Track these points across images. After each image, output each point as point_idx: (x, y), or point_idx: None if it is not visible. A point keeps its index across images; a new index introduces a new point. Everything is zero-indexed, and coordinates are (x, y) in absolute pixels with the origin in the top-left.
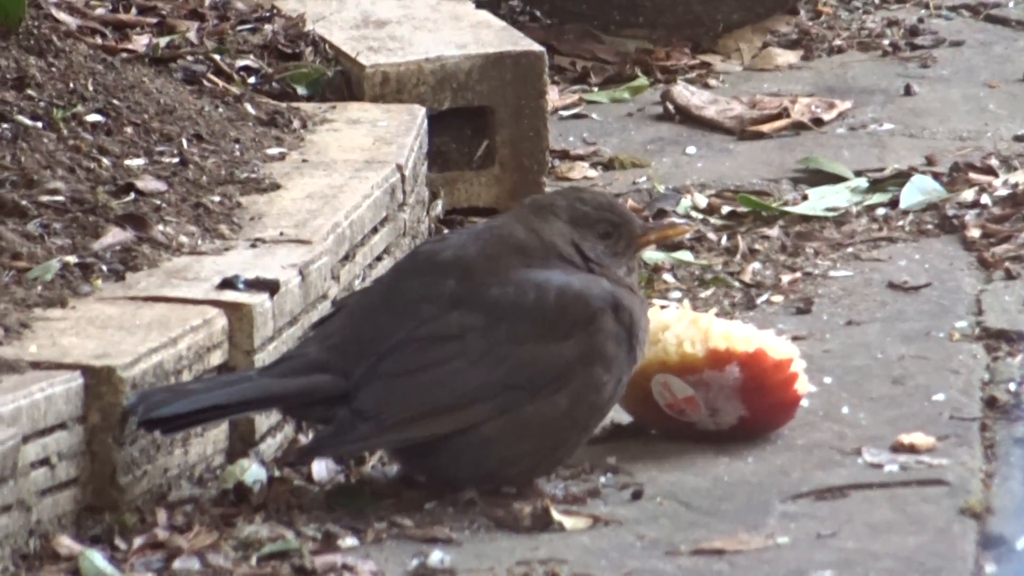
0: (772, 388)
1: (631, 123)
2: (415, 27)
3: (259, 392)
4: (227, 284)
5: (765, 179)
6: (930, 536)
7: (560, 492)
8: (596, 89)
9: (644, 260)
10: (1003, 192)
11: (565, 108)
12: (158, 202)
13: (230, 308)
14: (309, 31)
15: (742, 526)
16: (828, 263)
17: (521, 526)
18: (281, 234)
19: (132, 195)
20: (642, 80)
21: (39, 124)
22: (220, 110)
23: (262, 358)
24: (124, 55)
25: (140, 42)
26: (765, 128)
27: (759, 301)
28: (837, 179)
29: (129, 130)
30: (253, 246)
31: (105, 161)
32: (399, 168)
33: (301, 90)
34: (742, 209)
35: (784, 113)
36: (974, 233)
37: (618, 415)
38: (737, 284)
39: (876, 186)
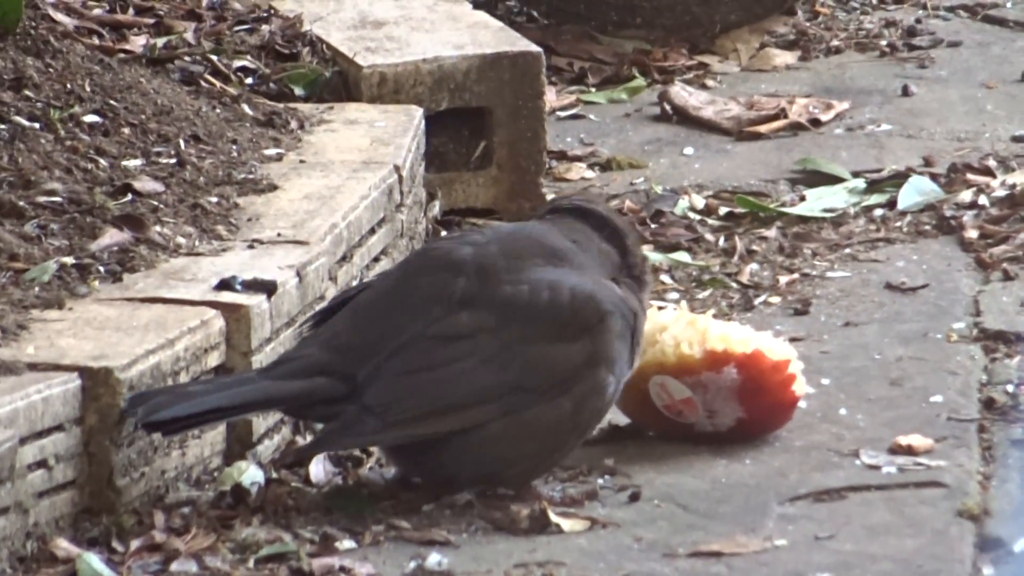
0: (770, 389)
1: (628, 124)
2: (412, 28)
3: (259, 394)
4: (224, 285)
5: (763, 180)
6: (928, 538)
7: (558, 494)
8: (594, 90)
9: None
10: (1001, 193)
11: (562, 109)
12: (155, 203)
13: (227, 309)
14: (306, 32)
15: (740, 528)
16: (826, 264)
17: (519, 528)
18: (278, 235)
19: (129, 196)
20: (639, 81)
21: (36, 125)
22: (217, 111)
23: (260, 359)
24: (121, 56)
25: (137, 43)
26: (763, 129)
27: (757, 302)
28: (835, 180)
29: (126, 131)
30: (250, 247)
31: (102, 162)
32: (396, 169)
33: (298, 91)
34: (740, 210)
35: (782, 114)
36: (972, 234)
37: (616, 416)
38: (735, 285)
39: (874, 187)
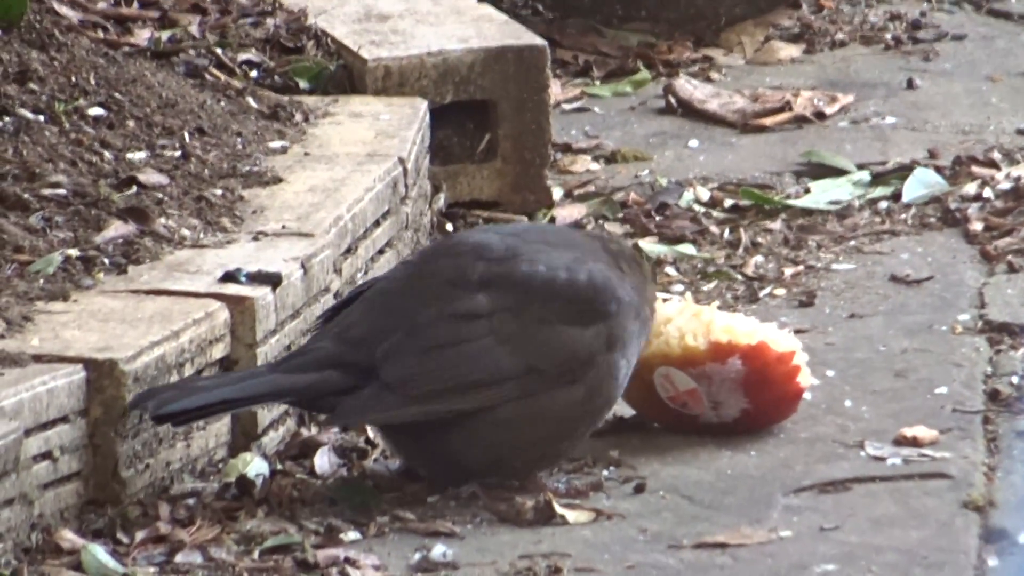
0: (775, 381)
1: (633, 117)
2: (417, 21)
3: (269, 387)
4: (229, 277)
5: (767, 172)
6: (932, 530)
7: (562, 486)
8: (598, 83)
9: (647, 253)
10: (1005, 185)
11: (567, 102)
12: (160, 195)
13: (232, 301)
14: (311, 25)
15: (745, 520)
16: (830, 256)
17: (523, 520)
18: (283, 227)
19: (134, 188)
20: (644, 74)
21: (41, 118)
22: (222, 104)
23: (264, 351)
24: (126, 49)
25: (142, 36)
26: (767, 122)
27: (761, 294)
28: (839, 172)
29: (131, 124)
30: (255, 239)
31: (107, 154)
32: (401, 161)
33: (303, 84)
34: (744, 203)
35: (786, 107)
36: (976, 226)
37: (621, 408)
38: (739, 277)
39: (878, 179)
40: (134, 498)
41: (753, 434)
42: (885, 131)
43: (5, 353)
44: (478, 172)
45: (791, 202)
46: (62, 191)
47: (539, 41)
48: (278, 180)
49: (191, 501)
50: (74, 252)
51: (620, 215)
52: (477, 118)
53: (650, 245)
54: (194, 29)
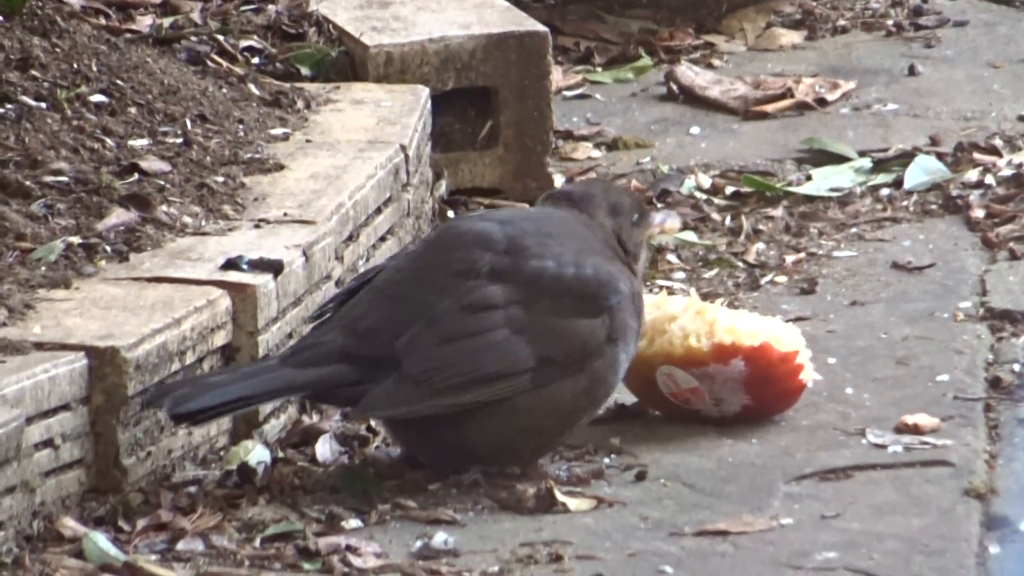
0: (777, 379)
1: (635, 103)
2: (419, 7)
3: (282, 382)
4: (231, 265)
5: (769, 159)
6: (934, 517)
7: (564, 473)
8: (600, 69)
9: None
10: (1007, 172)
11: (569, 88)
12: (162, 183)
13: (234, 289)
14: (313, 11)
15: (746, 507)
16: (832, 243)
17: (525, 508)
18: (285, 215)
19: (136, 176)
20: (646, 60)
21: (43, 105)
22: (224, 91)
23: (266, 339)
24: (128, 36)
25: (144, 23)
26: (769, 108)
27: (763, 282)
28: (841, 159)
29: (133, 111)
30: (257, 227)
31: (109, 141)
32: (403, 148)
33: (305, 70)
34: (746, 190)
35: (788, 93)
36: (978, 213)
37: (622, 396)
38: (741, 265)
39: (880, 166)
40: (135, 486)
41: (754, 422)
42: (887, 118)
43: (7, 341)
44: (480, 159)
45: (792, 189)
46: (64, 178)
47: (540, 28)
48: (280, 167)
49: (192, 489)
50: (76, 239)
51: None
52: (479, 105)
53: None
54: (196, 16)
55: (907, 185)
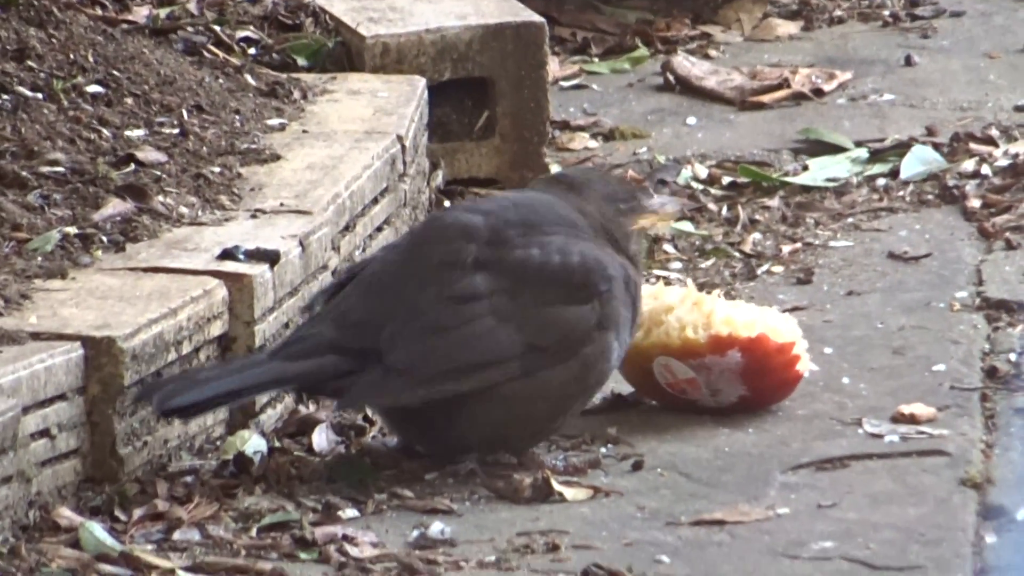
0: (773, 370)
1: (631, 94)
2: None
3: (271, 375)
4: (227, 255)
5: (765, 150)
6: (930, 507)
7: (560, 463)
8: (596, 60)
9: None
10: (1003, 162)
11: (565, 79)
12: (158, 173)
13: (230, 279)
14: (309, 2)
15: (742, 497)
16: (828, 233)
17: (521, 497)
18: (281, 205)
19: (132, 166)
20: (642, 51)
21: (39, 95)
22: (220, 81)
23: (262, 329)
24: (124, 26)
25: (140, 13)
26: (765, 99)
27: (759, 271)
28: (837, 150)
29: (129, 101)
30: (253, 217)
31: (105, 132)
32: (399, 139)
33: (301, 61)
34: (742, 180)
35: (784, 84)
36: (974, 203)
37: (618, 385)
38: (737, 255)
39: (876, 157)
40: (132, 476)
41: (751, 412)
42: (883, 108)
43: (3, 331)
44: (476, 149)
45: (789, 179)
46: (60, 169)
47: (537, 18)
48: (276, 157)
49: (189, 479)
50: (72, 230)
51: None
52: (475, 95)
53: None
54: (192, 6)
55: (903, 175)
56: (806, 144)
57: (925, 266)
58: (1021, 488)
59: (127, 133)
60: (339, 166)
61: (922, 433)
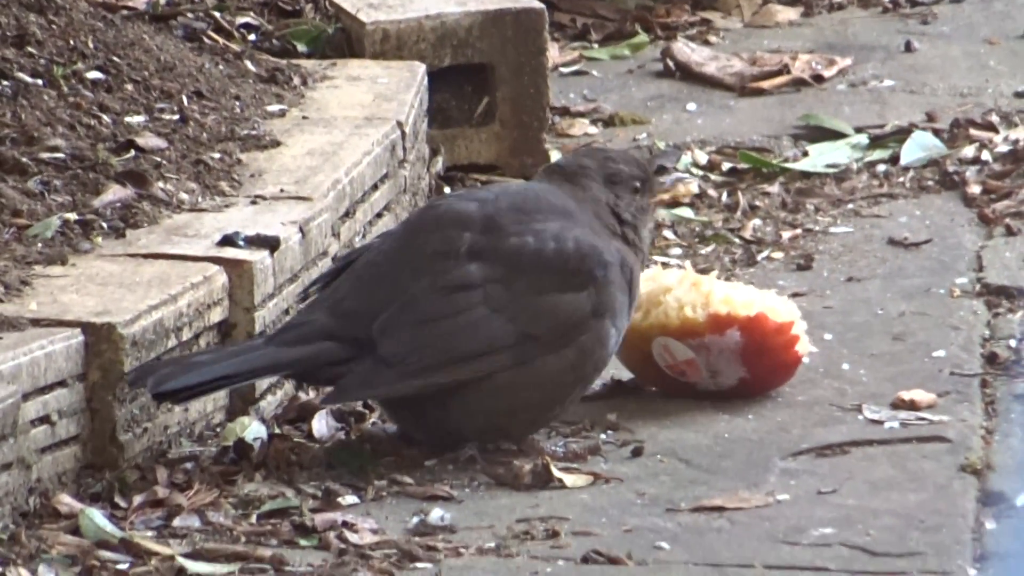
0: (773, 350)
1: (631, 80)
2: None
3: (266, 361)
4: (227, 241)
5: (765, 136)
6: (930, 493)
7: (560, 449)
8: (596, 46)
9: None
10: (1004, 148)
11: (565, 65)
12: (158, 159)
13: (231, 265)
14: None
15: (742, 483)
16: (828, 219)
17: (521, 484)
18: (281, 191)
19: (132, 152)
20: (642, 37)
21: (39, 81)
22: (220, 67)
23: (262, 315)
24: (124, 12)
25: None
26: (765, 85)
27: (760, 258)
28: (838, 136)
29: (129, 87)
30: (253, 203)
31: (105, 118)
32: (399, 125)
33: (301, 47)
34: (743, 166)
35: (784, 70)
36: (975, 189)
37: (618, 372)
38: (737, 241)
39: (877, 143)
40: (132, 462)
41: (751, 398)
42: (883, 94)
43: (3, 317)
44: (476, 136)
45: (789, 165)
46: (60, 155)
47: (537, 4)
48: (276, 144)
49: (189, 465)
50: (72, 216)
51: None
52: (475, 81)
53: None
54: None
55: (903, 161)
56: (806, 130)
57: (925, 252)
58: (1021, 474)
59: (127, 119)
60: (339, 152)
61: (922, 419)
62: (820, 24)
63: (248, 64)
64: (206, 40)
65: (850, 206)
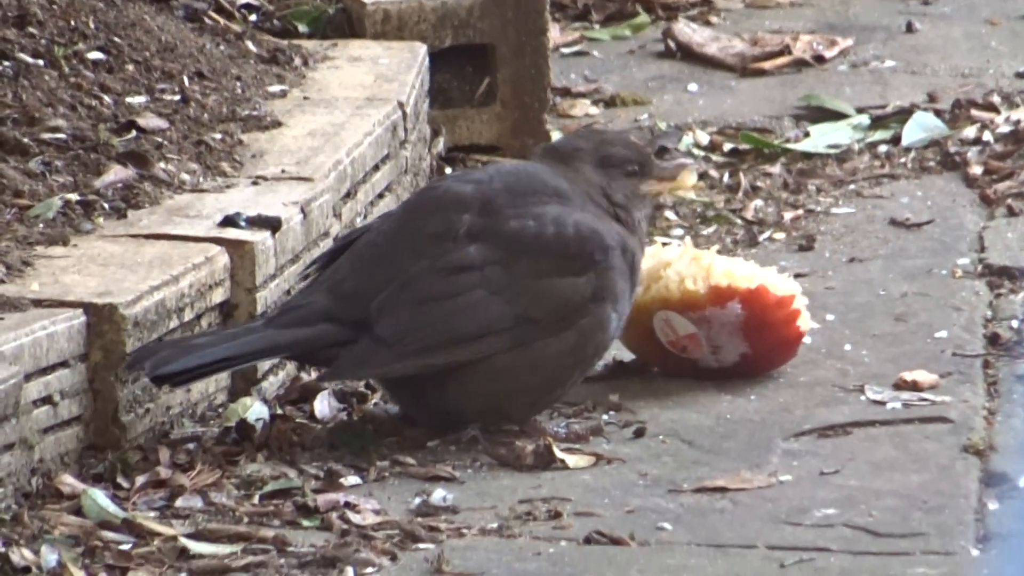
0: (774, 325)
1: (632, 60)
2: None
3: (265, 343)
4: (229, 222)
5: (767, 116)
6: (933, 474)
7: (562, 430)
8: (597, 26)
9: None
10: (1005, 129)
11: (566, 45)
12: (159, 140)
13: (232, 245)
14: None
15: (744, 464)
16: (830, 200)
17: (523, 464)
18: (283, 171)
19: (133, 133)
20: (643, 17)
21: (40, 62)
22: (221, 48)
23: (264, 296)
24: None
25: None
26: (767, 65)
27: (761, 238)
28: (839, 116)
29: (130, 68)
30: (255, 183)
31: (106, 99)
32: (400, 105)
33: (302, 27)
34: (744, 146)
35: (786, 50)
36: (976, 170)
37: (620, 353)
38: (739, 221)
39: (878, 123)
40: (134, 443)
41: (753, 378)
42: (884, 75)
43: (5, 298)
44: (477, 116)
45: (790, 146)
46: (62, 135)
47: None
48: (277, 124)
49: (191, 446)
50: (74, 197)
51: None
52: (476, 62)
53: None
54: None
55: (905, 142)
56: (807, 111)
57: (927, 233)
58: (1023, 455)
59: (128, 100)
60: (340, 133)
61: (924, 400)
62: (821, 4)
63: (249, 45)
64: (207, 20)
65: (852, 187)
